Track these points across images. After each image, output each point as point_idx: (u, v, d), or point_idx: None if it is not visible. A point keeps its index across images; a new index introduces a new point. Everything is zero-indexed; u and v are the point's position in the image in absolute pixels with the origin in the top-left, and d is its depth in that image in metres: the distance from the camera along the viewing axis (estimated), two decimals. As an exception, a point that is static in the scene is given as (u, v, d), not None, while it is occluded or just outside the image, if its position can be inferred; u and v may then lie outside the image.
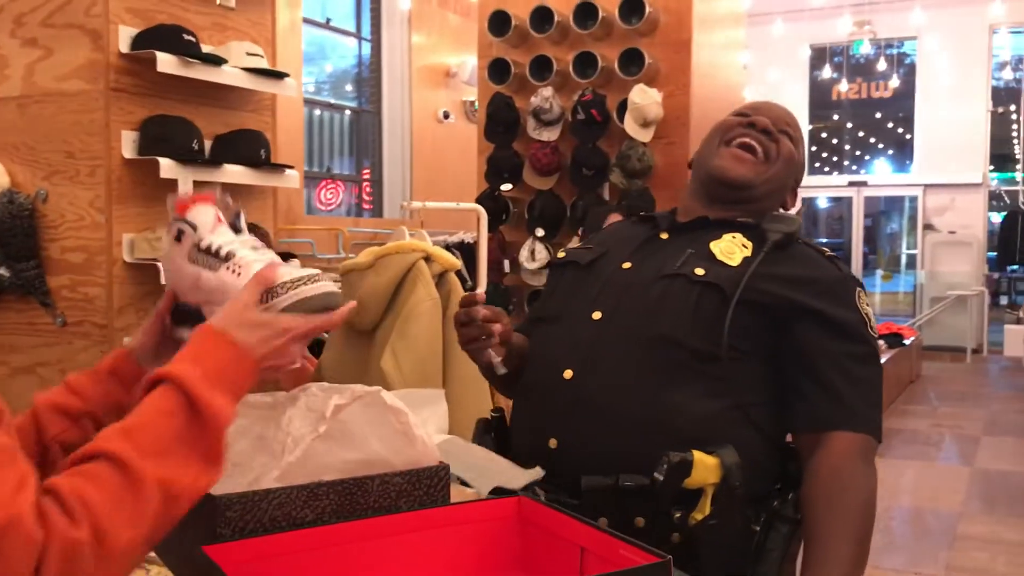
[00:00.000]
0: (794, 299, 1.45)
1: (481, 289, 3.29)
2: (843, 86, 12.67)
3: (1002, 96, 12.80)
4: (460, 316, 1.45)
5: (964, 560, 4.44)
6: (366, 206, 8.57)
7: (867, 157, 15.04)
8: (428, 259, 2.61)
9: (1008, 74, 12.25)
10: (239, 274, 1.05)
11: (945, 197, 12.12)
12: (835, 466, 1.38)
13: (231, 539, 0.98)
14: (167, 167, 2.55)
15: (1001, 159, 13.04)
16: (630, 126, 4.56)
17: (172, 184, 2.56)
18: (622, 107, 4.60)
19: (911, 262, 12.59)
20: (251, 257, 1.07)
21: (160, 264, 2.51)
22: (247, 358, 0.96)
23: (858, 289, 1.53)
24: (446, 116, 8.55)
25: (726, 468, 1.34)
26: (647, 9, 4.57)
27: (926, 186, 12.22)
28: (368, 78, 8.56)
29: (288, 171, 2.94)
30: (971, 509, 5.29)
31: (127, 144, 2.62)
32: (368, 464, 1.08)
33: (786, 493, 1.46)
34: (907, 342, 8.74)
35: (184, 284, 1.09)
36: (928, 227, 12.17)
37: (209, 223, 1.08)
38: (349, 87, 8.75)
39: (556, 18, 4.78)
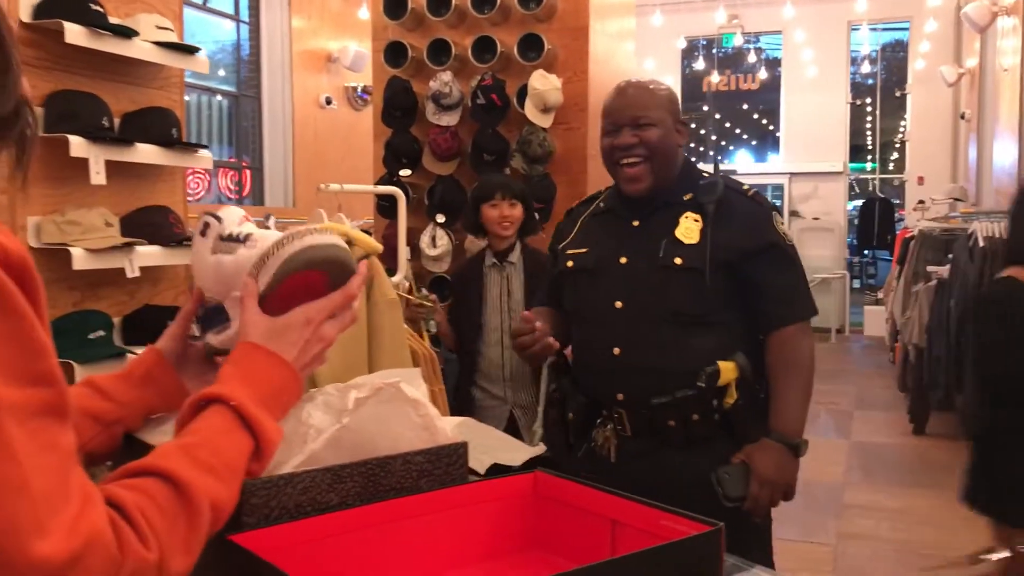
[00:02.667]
0: (738, 249, 2.03)
1: (400, 275, 3.23)
2: (714, 78, 13.08)
3: (858, 90, 13.51)
4: (521, 339, 1.98)
5: (851, 527, 4.67)
6: (244, 193, 8.29)
7: (731, 147, 15.59)
8: (349, 243, 2.54)
9: (866, 68, 12.92)
10: (254, 248, 1.00)
11: (809, 185, 12.71)
12: (783, 344, 2.05)
13: (257, 527, 0.92)
14: (77, 145, 2.37)
15: (855, 150, 13.76)
16: (530, 111, 4.56)
17: (82, 163, 2.39)
18: (521, 92, 4.59)
19: (777, 248, 13.09)
20: (267, 233, 1.02)
21: (71, 249, 2.35)
22: (291, 370, 0.94)
23: (773, 213, 2.11)
24: (328, 102, 8.36)
25: (740, 367, 2.00)
26: (545, -5, 4.57)
27: (792, 174, 12.77)
28: (244, 62, 8.27)
29: (201, 151, 2.80)
30: (853, 479, 5.57)
31: (30, 121, 2.40)
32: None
33: None
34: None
35: (207, 277, 1.05)
36: (794, 214, 12.72)
37: (236, 218, 1.06)
38: (222, 72, 8.43)
39: (453, 2, 4.72)
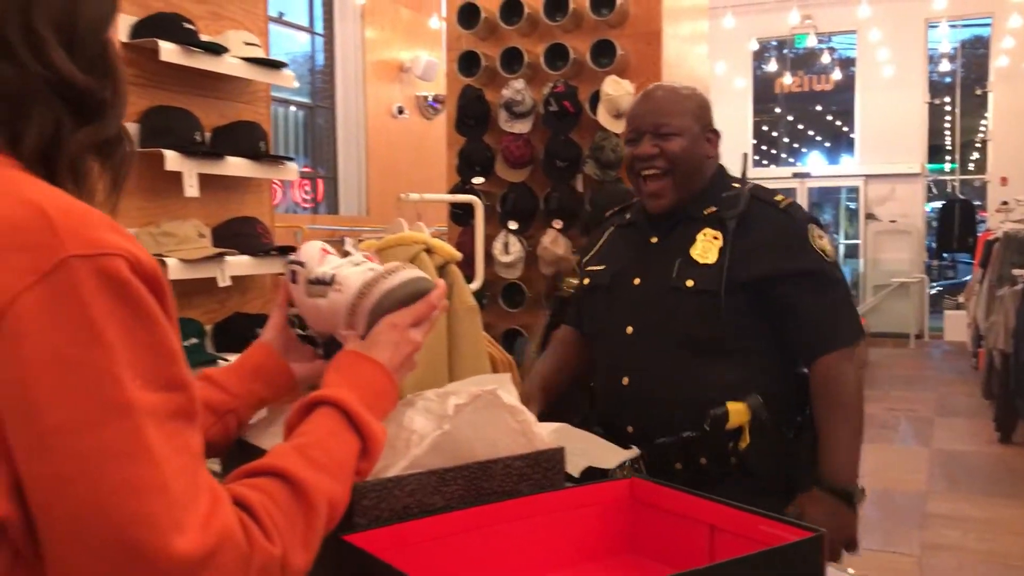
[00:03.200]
0: (764, 271, 1.83)
1: (477, 283, 3.27)
2: (787, 79, 12.90)
3: (936, 88, 13.18)
4: None
5: (936, 538, 4.56)
6: (318, 200, 8.45)
7: (804, 149, 15.34)
8: (429, 251, 2.58)
9: (944, 66, 12.60)
10: (341, 291, 1.07)
11: (885, 187, 12.44)
12: (826, 377, 1.83)
13: (368, 528, 0.96)
14: (172, 159, 2.47)
15: (933, 150, 13.42)
16: (603, 117, 4.57)
17: (176, 176, 2.49)
18: (594, 99, 4.60)
19: (852, 251, 12.88)
20: (349, 271, 1.08)
21: (167, 260, 2.44)
22: (388, 374, 0.99)
23: (810, 227, 1.88)
24: (400, 111, 8.48)
25: (753, 409, 1.79)
26: (617, 1, 4.58)
27: (867, 176, 12.52)
28: (318, 73, 8.44)
29: (288, 163, 2.89)
30: (936, 488, 5.43)
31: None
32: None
33: (806, 409, 1.90)
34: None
35: (310, 318, 1.12)
36: (870, 216, 12.47)
37: (316, 256, 1.12)
38: (296, 83, 8.59)
39: (525, 10, 4.76)
